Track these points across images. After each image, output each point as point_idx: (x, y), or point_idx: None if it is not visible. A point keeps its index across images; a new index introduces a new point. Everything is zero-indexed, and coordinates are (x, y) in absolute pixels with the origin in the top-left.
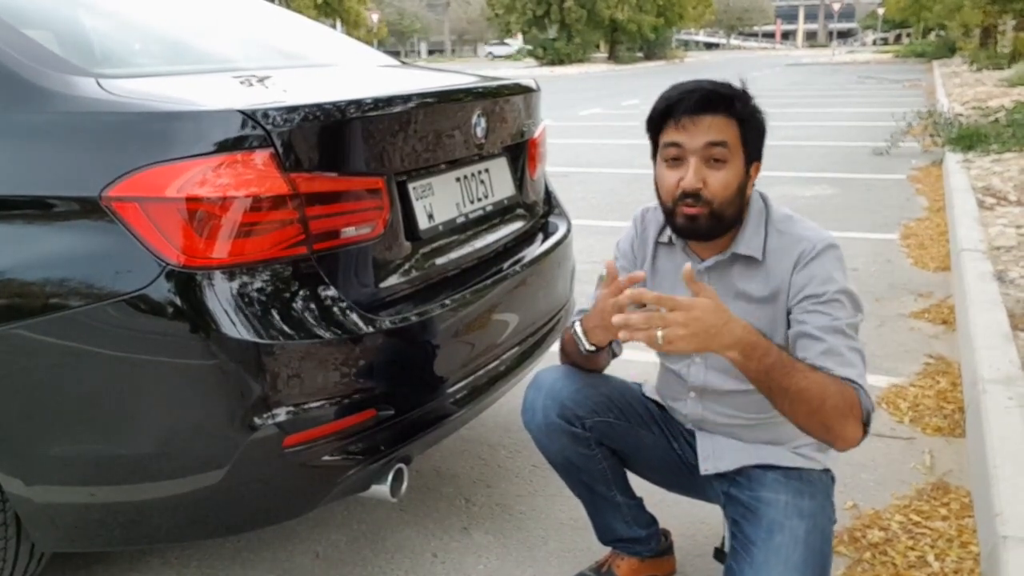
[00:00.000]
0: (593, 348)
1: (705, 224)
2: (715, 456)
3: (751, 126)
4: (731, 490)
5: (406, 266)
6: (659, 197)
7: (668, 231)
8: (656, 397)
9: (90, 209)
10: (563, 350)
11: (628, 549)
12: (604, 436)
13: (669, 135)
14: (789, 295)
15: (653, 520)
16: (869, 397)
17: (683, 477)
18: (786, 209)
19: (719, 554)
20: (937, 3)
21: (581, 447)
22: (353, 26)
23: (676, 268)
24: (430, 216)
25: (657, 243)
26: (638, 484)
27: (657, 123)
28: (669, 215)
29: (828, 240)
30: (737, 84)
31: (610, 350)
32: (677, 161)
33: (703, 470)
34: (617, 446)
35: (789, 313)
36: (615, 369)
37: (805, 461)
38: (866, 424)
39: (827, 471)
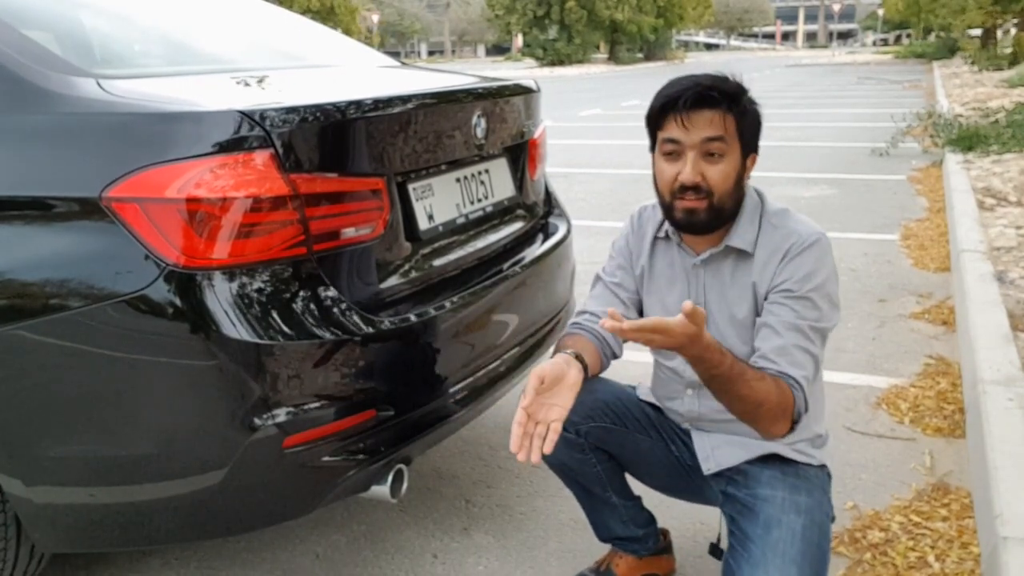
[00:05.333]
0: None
1: (704, 217)
2: (715, 455)
3: (747, 119)
4: (728, 488)
5: (406, 267)
6: (657, 191)
7: (666, 226)
8: (651, 399)
9: (90, 210)
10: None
11: (625, 547)
12: (599, 441)
13: (668, 131)
14: (771, 284)
15: (651, 519)
16: (805, 399)
17: (681, 479)
18: (781, 204)
19: (715, 549)
20: (941, 5)
21: (575, 451)
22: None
23: (672, 264)
24: (430, 217)
25: (655, 239)
26: (636, 483)
27: (656, 119)
28: (667, 209)
29: (817, 235)
30: (731, 78)
31: (611, 352)
32: (674, 156)
33: (705, 470)
34: (613, 451)
35: (766, 298)
36: (614, 369)
37: (802, 457)
38: (795, 422)
39: (823, 467)
